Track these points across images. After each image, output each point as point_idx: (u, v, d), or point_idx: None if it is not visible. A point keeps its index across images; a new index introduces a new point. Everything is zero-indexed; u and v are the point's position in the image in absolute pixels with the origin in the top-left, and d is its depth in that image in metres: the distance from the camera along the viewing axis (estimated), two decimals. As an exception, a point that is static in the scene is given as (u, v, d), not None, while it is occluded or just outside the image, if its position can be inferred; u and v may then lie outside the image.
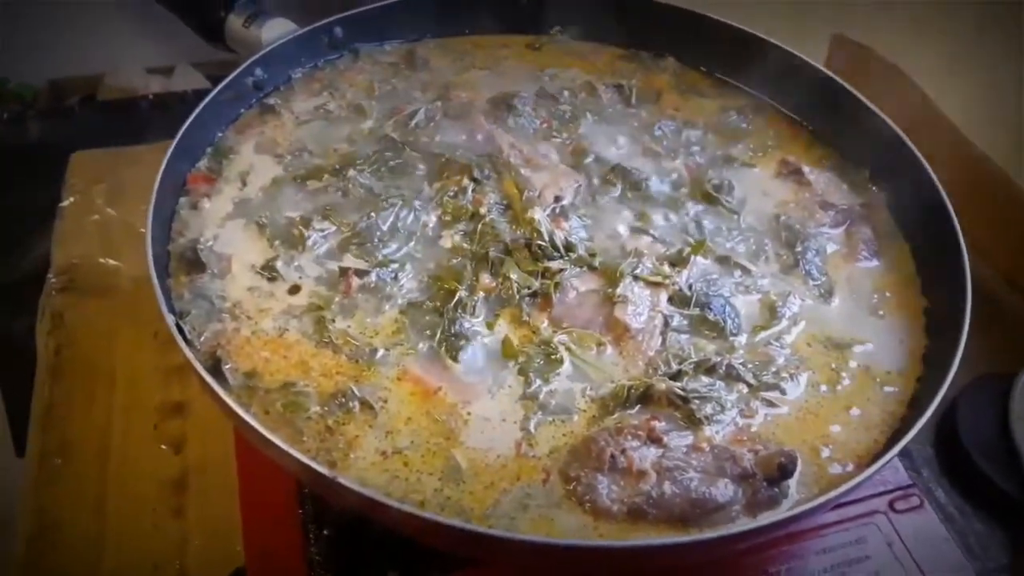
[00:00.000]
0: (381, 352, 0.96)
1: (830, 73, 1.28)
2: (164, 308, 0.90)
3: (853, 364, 1.02)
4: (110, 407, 1.23)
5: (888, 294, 1.10)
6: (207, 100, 1.13)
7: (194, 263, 1.01)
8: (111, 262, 1.39)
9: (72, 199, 1.49)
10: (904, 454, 1.16)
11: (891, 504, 1.06)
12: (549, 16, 1.43)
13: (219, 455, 1.13)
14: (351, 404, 0.91)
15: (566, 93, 1.30)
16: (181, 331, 0.93)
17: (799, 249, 1.12)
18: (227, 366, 0.92)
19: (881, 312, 1.08)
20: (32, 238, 1.43)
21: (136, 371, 1.26)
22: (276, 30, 1.26)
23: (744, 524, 0.85)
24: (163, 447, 1.19)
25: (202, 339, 0.95)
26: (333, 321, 0.98)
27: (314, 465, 0.80)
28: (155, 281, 0.91)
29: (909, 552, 1.03)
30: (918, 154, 1.15)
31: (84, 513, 1.13)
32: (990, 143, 1.42)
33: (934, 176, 1.12)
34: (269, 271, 1.02)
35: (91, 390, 1.24)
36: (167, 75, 1.83)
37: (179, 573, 1.08)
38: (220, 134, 1.19)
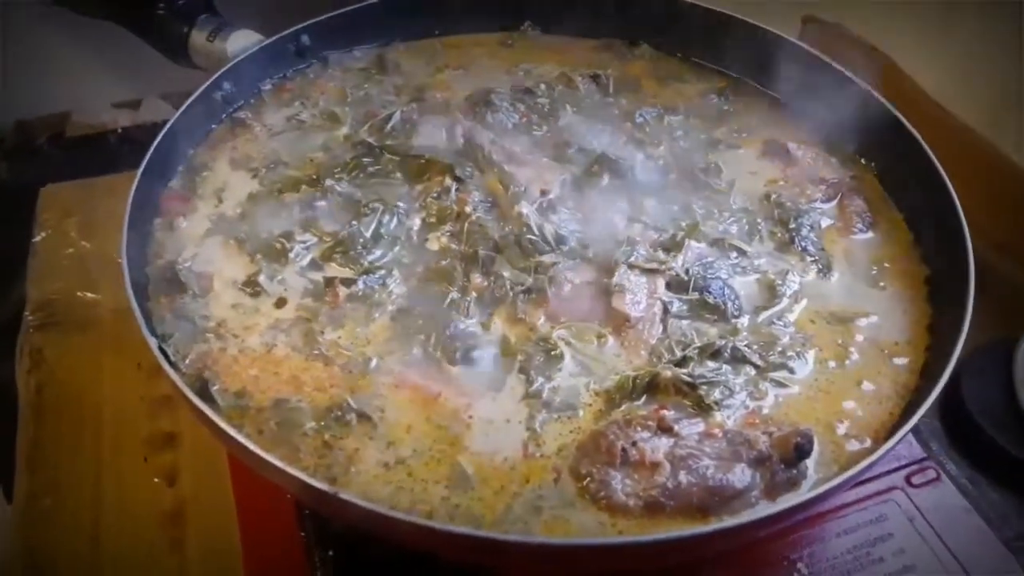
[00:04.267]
0: (375, 361, 0.93)
1: (808, 47, 1.26)
2: (145, 331, 0.87)
3: (860, 338, 1.00)
4: (98, 443, 1.18)
5: (887, 265, 1.08)
6: (175, 117, 1.11)
7: (174, 284, 0.98)
8: (89, 295, 1.35)
9: (45, 234, 1.45)
10: (912, 428, 1.15)
11: (908, 479, 1.04)
12: (520, 12, 1.41)
13: (214, 483, 1.09)
14: (348, 417, 0.88)
15: (543, 86, 1.28)
16: (165, 355, 0.90)
17: (793, 226, 1.10)
18: (215, 387, 0.89)
19: (882, 283, 1.06)
20: (8, 281, 1.39)
21: (122, 404, 1.22)
22: (241, 42, 1.23)
23: (766, 508, 0.82)
24: (156, 480, 1.15)
25: (187, 361, 0.92)
26: (322, 333, 0.95)
27: (314, 482, 0.77)
28: (134, 304, 0.88)
29: (931, 526, 1.01)
30: (905, 122, 1.14)
31: (78, 553, 1.08)
32: (969, 114, 1.40)
33: (924, 143, 1.11)
34: (252, 286, 1.00)
35: (77, 427, 1.20)
36: (135, 109, 1.80)
37: (180, 608, 1.04)
38: (192, 152, 1.16)
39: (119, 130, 1.71)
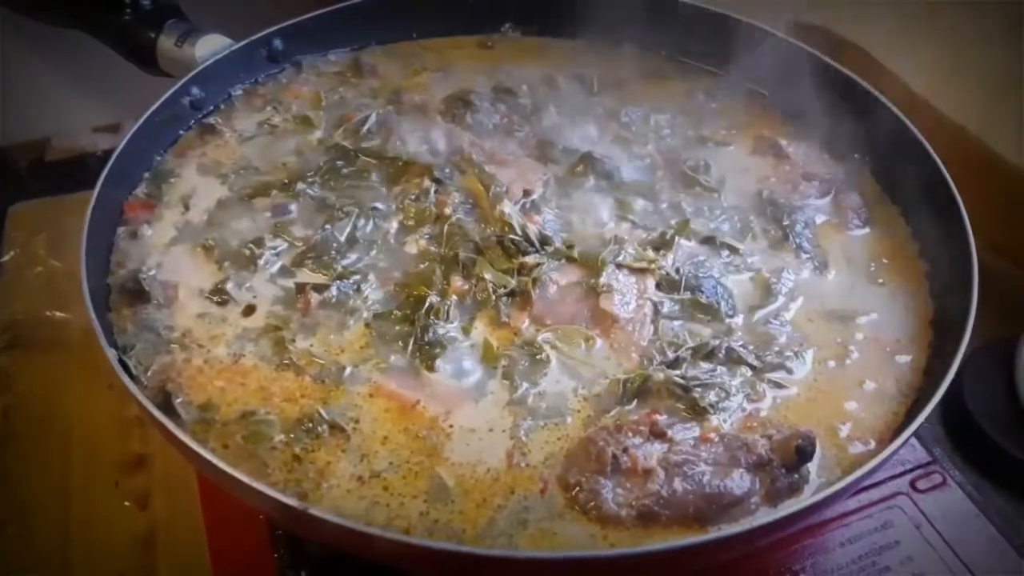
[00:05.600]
0: (349, 369, 0.89)
1: (796, 42, 1.23)
2: (103, 342, 0.82)
3: (859, 336, 0.96)
4: (67, 467, 1.14)
5: (885, 261, 1.05)
6: (140, 122, 1.07)
7: (137, 294, 0.95)
8: (58, 314, 1.31)
9: (13, 253, 1.41)
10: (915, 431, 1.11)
11: (913, 484, 1.01)
12: (499, 14, 1.37)
13: (187, 506, 1.04)
14: (320, 428, 0.84)
15: (524, 87, 1.25)
16: (126, 367, 0.85)
17: (787, 223, 1.07)
18: (179, 400, 0.85)
19: (881, 280, 1.03)
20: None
21: (92, 426, 1.18)
22: (210, 46, 1.18)
23: (768, 515, 0.77)
24: (127, 504, 1.10)
25: (149, 373, 0.88)
26: (293, 341, 0.91)
27: (282, 498, 0.73)
28: (92, 314, 0.84)
29: (939, 533, 0.97)
30: (900, 114, 1.11)
31: (46, 581, 1.04)
32: (960, 113, 1.37)
33: (919, 135, 1.08)
34: (219, 295, 0.96)
35: (45, 451, 1.16)
36: (114, 133, 1.77)
37: (153, 636, 1.00)
38: (158, 158, 1.12)
39: (98, 153, 1.67)
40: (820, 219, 1.09)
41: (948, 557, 0.95)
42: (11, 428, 1.18)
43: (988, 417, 1.13)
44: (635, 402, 0.87)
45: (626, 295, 0.94)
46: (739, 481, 0.79)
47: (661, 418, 0.84)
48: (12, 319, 1.29)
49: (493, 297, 0.94)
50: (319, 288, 0.95)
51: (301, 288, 0.95)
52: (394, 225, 1.03)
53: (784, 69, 1.23)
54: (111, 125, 1.73)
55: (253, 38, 1.23)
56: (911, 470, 1.02)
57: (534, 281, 0.95)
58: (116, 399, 1.17)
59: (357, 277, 0.97)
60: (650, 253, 0.98)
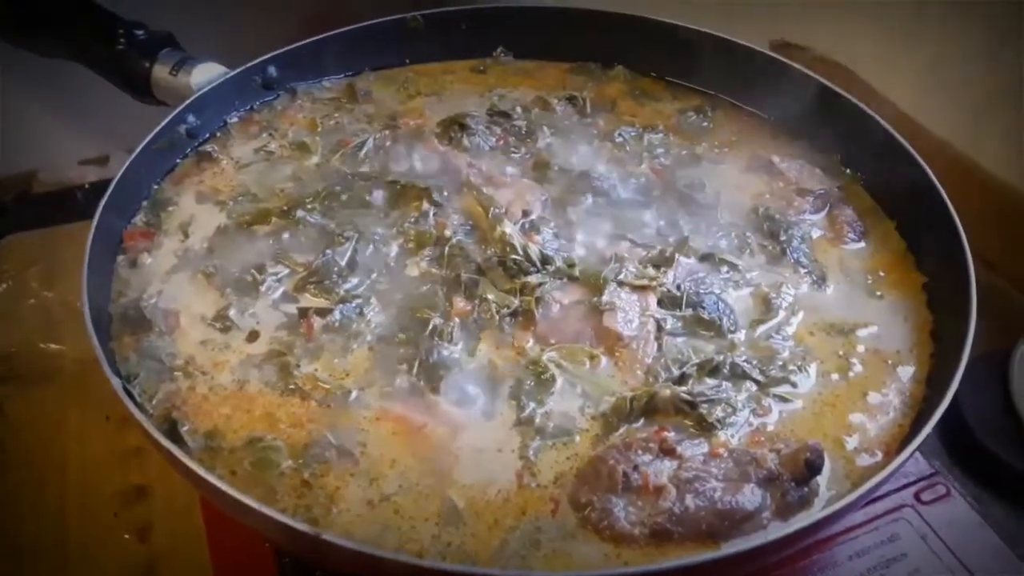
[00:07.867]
0: (355, 393, 0.89)
1: (783, 59, 1.25)
2: (107, 370, 0.82)
3: (861, 348, 0.96)
4: (63, 499, 1.13)
5: (882, 273, 1.05)
6: (138, 151, 1.07)
7: (138, 322, 0.94)
8: (52, 346, 1.30)
9: (5, 285, 1.40)
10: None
11: (917, 496, 1.01)
12: (491, 39, 1.39)
13: (189, 537, 1.03)
14: (327, 453, 0.83)
15: (519, 109, 1.25)
16: (130, 396, 0.85)
17: (783, 238, 1.07)
18: (184, 428, 0.85)
19: (879, 292, 1.03)
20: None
21: (89, 458, 1.17)
22: (205, 75, 1.19)
23: (781, 529, 0.77)
24: (126, 536, 1.09)
25: (154, 402, 0.87)
26: (298, 366, 0.91)
27: (294, 524, 0.72)
28: (95, 341, 0.83)
29: (945, 544, 0.97)
30: (891, 130, 1.12)
31: (42, 620, 1.02)
32: (946, 130, 1.39)
33: (912, 149, 1.09)
34: (222, 321, 0.95)
35: (41, 484, 1.14)
36: (102, 165, 1.76)
37: (155, 672, 0.98)
38: (156, 187, 1.12)
39: (86, 185, 1.67)
40: (816, 234, 1.09)
41: (956, 568, 0.95)
42: (6, 461, 1.17)
43: (985, 428, 1.13)
44: (642, 420, 0.87)
45: (629, 313, 0.94)
46: (750, 496, 0.79)
47: (670, 435, 0.84)
48: (6, 352, 1.28)
49: (496, 317, 0.94)
50: (322, 312, 0.95)
51: (304, 313, 0.95)
52: (394, 248, 1.03)
53: (774, 87, 1.25)
54: (98, 157, 1.72)
55: (248, 66, 1.23)
56: (915, 482, 1.02)
57: (537, 301, 0.95)
58: (113, 430, 1.16)
59: (359, 301, 0.96)
60: (651, 271, 0.99)
